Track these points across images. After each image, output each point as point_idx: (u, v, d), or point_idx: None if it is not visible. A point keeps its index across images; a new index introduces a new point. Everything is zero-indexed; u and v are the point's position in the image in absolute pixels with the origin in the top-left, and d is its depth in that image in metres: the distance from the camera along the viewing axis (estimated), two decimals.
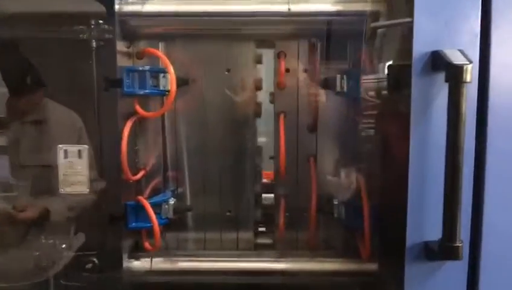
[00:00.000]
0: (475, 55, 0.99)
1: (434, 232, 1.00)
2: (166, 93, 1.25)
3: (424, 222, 1.02)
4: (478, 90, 1.00)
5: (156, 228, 1.23)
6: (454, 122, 0.94)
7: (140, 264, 1.31)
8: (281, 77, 1.31)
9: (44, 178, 1.29)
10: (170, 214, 1.31)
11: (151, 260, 1.29)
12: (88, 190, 1.21)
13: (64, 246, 1.27)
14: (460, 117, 0.93)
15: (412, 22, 0.97)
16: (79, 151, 1.21)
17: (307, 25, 1.29)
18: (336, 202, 1.32)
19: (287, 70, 1.37)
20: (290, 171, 1.37)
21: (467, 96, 0.94)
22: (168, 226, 1.36)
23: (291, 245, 1.40)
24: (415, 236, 1.03)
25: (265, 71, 1.38)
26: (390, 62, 1.17)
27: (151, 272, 1.30)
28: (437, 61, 0.98)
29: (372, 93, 1.25)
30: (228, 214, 1.41)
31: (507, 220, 1.03)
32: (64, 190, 1.21)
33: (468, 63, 0.92)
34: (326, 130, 1.38)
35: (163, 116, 1.37)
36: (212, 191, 1.40)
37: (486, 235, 1.03)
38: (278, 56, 1.35)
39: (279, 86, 1.34)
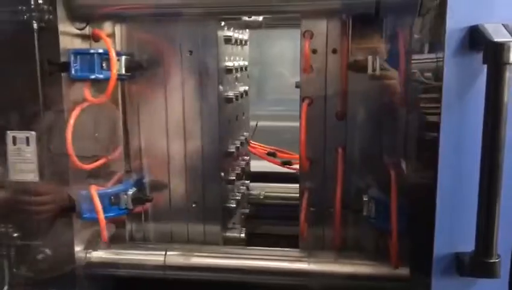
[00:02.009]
0: None
1: (467, 242, 0.84)
2: (123, 77, 1.19)
3: (456, 229, 0.87)
4: None
5: (102, 219, 1.18)
6: (493, 113, 0.78)
7: (97, 255, 1.28)
8: (306, 59, 1.16)
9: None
10: (129, 205, 1.25)
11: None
12: (37, 178, 1.16)
13: (16, 235, 1.22)
14: (500, 107, 0.77)
15: None
16: (27, 138, 1.16)
17: None
18: (365, 199, 1.17)
19: (314, 51, 1.21)
20: (317, 162, 1.25)
21: (510, 81, 0.76)
22: (133, 216, 1.33)
23: (317, 244, 1.27)
24: (444, 245, 0.88)
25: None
26: None
27: (104, 264, 1.28)
28: (475, 39, 0.81)
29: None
30: (194, 205, 1.33)
31: None
32: (14, 177, 1.17)
33: (510, 39, 0.75)
34: (357, 118, 1.22)
35: (124, 101, 1.30)
36: (177, 181, 1.33)
37: None
38: (304, 36, 1.20)
39: (304, 70, 1.19)
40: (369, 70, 1.14)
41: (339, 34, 1.21)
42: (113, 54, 1.14)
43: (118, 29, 1.28)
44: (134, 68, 1.24)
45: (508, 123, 0.80)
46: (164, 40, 1.28)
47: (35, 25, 1.12)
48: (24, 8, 1.11)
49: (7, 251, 1.21)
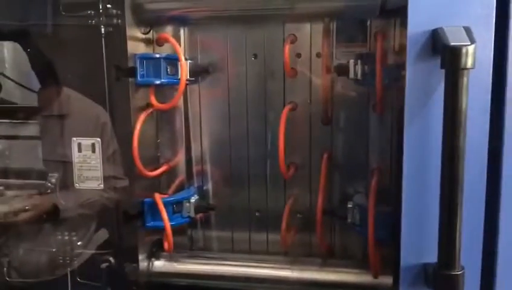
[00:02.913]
0: (488, 34, 0.77)
1: (434, 252, 0.81)
2: (187, 82, 1.16)
3: (423, 238, 0.84)
4: (493, 77, 0.78)
5: (168, 228, 1.16)
6: (451, 121, 0.74)
7: (160, 264, 1.25)
8: (287, 63, 1.15)
9: (64, 174, 1.27)
10: (192, 213, 1.22)
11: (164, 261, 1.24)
12: (102, 185, 1.16)
13: (80, 243, 1.24)
14: (458, 114, 0.74)
15: None
16: (92, 144, 1.16)
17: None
18: (350, 205, 1.15)
19: (298, 55, 1.20)
20: (302, 168, 1.24)
21: (468, 86, 0.73)
22: (195, 224, 1.29)
23: (304, 251, 1.25)
24: (411, 255, 0.85)
25: None
26: None
27: (166, 274, 1.25)
28: (435, 43, 0.78)
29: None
30: (257, 214, 1.28)
31: None
32: (79, 185, 1.17)
33: (467, 43, 0.72)
34: (343, 123, 1.19)
35: (186, 107, 1.27)
36: (240, 189, 1.28)
37: (503, 261, 0.81)
38: (287, 40, 1.18)
39: (287, 74, 1.18)
40: (351, 75, 1.11)
41: (323, 38, 1.18)
42: (182, 59, 1.12)
43: (181, 33, 1.25)
44: (199, 72, 1.21)
45: (477, 128, 0.76)
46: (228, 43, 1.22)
47: (103, 30, 1.12)
48: (92, 12, 1.11)
49: (70, 260, 1.22)
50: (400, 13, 0.96)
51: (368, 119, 1.16)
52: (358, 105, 1.18)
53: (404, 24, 0.86)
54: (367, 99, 1.16)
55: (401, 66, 0.85)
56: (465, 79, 0.72)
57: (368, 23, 1.15)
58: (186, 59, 1.16)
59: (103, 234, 1.28)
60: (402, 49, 0.94)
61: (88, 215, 1.29)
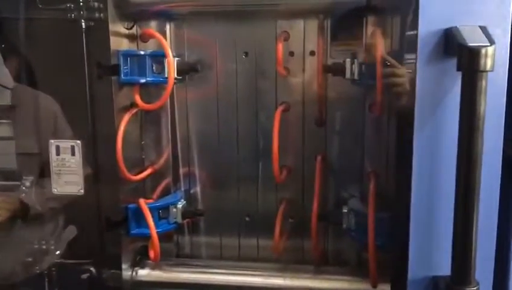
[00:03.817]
0: (505, 35, 0.73)
1: (445, 265, 0.77)
2: (175, 81, 1.09)
3: (433, 250, 0.79)
4: (509, 80, 0.73)
5: (155, 237, 1.09)
6: (467, 126, 0.69)
7: (144, 273, 1.18)
8: (279, 61, 1.09)
9: (24, 166, 1.19)
10: (179, 219, 1.16)
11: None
12: (82, 190, 1.09)
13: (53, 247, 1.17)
14: (476, 119, 0.69)
15: None
16: (72, 147, 1.07)
17: None
18: (345, 210, 1.10)
19: (291, 53, 1.14)
20: (295, 171, 1.18)
21: (486, 90, 0.68)
22: (182, 229, 1.23)
23: (296, 257, 1.19)
24: (420, 267, 0.80)
25: None
26: None
27: (151, 283, 1.18)
28: (449, 43, 0.73)
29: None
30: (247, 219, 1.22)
31: None
32: (57, 190, 1.09)
33: (487, 44, 0.67)
34: (337, 125, 1.14)
35: (173, 107, 1.19)
36: (229, 193, 1.22)
37: None
38: (279, 37, 1.12)
39: (279, 72, 1.12)
40: (348, 75, 1.06)
41: (318, 36, 1.13)
42: (170, 55, 1.04)
43: (167, 29, 1.17)
44: (187, 71, 1.13)
45: (493, 134, 0.71)
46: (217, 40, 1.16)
47: (83, 24, 1.04)
48: (72, 5, 1.04)
49: (48, 270, 1.15)
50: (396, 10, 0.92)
51: (363, 120, 1.11)
52: (353, 106, 1.14)
53: (403, 22, 0.81)
54: (363, 100, 1.11)
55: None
56: (483, 82, 0.68)
57: (364, 20, 1.10)
58: (173, 56, 1.09)
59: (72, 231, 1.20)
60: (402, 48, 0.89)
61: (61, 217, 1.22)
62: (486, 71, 0.68)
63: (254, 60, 1.16)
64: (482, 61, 0.68)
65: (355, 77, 1.05)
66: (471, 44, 0.68)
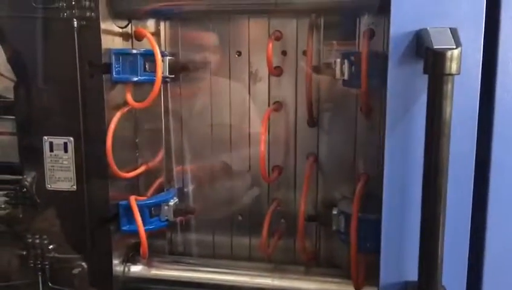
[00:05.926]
0: (478, 37, 0.71)
1: (416, 270, 0.76)
2: (167, 80, 1.11)
3: (403, 255, 0.78)
4: (482, 84, 0.72)
5: (142, 234, 1.10)
6: (433, 131, 0.68)
7: (136, 269, 1.20)
8: (269, 60, 1.09)
9: None
10: (171, 217, 1.17)
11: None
12: (75, 187, 1.11)
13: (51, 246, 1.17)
14: (441, 123, 0.68)
15: None
16: (65, 144, 1.10)
17: None
18: (335, 212, 1.09)
19: (284, 53, 1.14)
20: (287, 171, 1.18)
21: (453, 93, 0.67)
22: (175, 227, 1.24)
23: (287, 257, 1.19)
24: (391, 272, 0.79)
25: None
26: None
27: (143, 280, 1.19)
28: (419, 45, 0.72)
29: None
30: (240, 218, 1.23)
31: None
32: (51, 186, 1.11)
33: (452, 47, 0.66)
34: (329, 125, 1.14)
35: (167, 106, 1.21)
36: (222, 191, 1.23)
37: (489, 278, 0.75)
38: (271, 37, 1.12)
39: (270, 72, 1.12)
40: (337, 75, 1.05)
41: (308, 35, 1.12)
42: (158, 54, 1.05)
43: (161, 27, 1.19)
44: (179, 70, 1.15)
45: (464, 138, 0.70)
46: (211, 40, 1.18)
47: (75, 23, 1.06)
48: (64, 4, 1.05)
49: (41, 264, 1.16)
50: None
51: (355, 121, 1.10)
52: (346, 106, 1.12)
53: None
54: (355, 100, 1.10)
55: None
56: (449, 86, 0.66)
57: (358, 20, 1.08)
58: (166, 55, 1.10)
59: None
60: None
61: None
62: (452, 74, 0.66)
63: (247, 60, 1.17)
64: (447, 64, 0.66)
65: (345, 77, 1.04)
66: (436, 47, 0.67)
